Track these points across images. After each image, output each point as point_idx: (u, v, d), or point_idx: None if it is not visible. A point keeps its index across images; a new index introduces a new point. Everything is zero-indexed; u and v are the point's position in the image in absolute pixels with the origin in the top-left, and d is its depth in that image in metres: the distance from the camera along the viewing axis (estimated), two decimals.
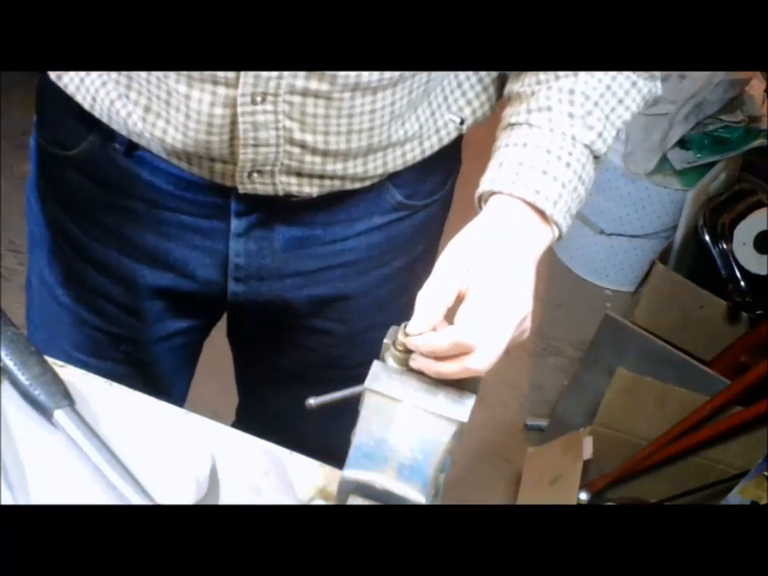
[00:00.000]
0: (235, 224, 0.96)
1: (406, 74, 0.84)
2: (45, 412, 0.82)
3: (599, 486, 1.92)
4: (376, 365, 0.77)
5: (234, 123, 0.83)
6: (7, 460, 0.79)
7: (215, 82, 0.80)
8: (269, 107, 0.82)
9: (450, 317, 0.77)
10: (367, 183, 0.95)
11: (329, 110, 0.83)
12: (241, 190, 0.91)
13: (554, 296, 2.61)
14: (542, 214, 0.81)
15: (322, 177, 0.91)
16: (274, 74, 0.79)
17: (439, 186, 1.03)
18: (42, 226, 1.07)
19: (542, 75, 0.86)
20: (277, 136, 0.85)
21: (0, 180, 2.43)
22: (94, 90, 0.89)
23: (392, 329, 0.78)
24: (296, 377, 1.13)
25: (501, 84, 0.95)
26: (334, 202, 0.95)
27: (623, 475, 1.92)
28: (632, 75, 0.87)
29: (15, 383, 0.83)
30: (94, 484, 0.79)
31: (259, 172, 0.88)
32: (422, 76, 0.87)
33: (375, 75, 0.81)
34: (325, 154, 0.87)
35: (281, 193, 0.91)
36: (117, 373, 1.05)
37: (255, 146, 0.85)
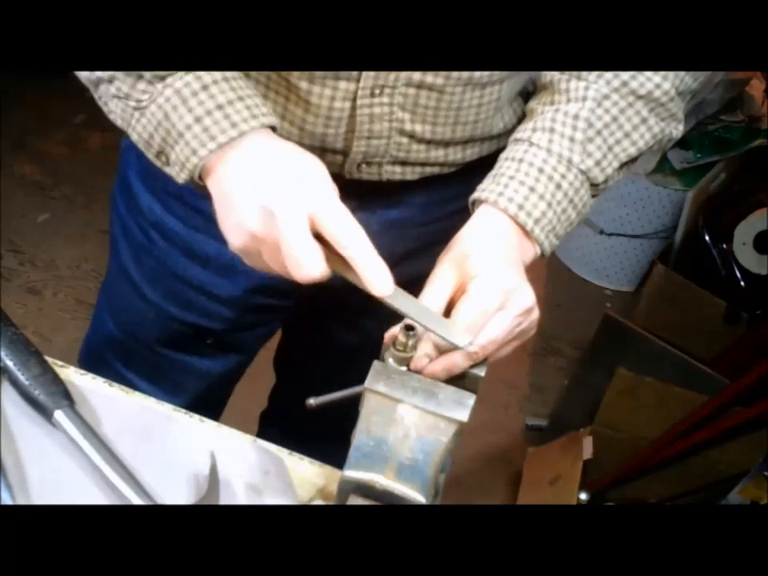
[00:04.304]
0: None
1: (514, 71, 0.88)
2: (45, 412, 0.82)
3: (599, 486, 1.92)
4: (376, 365, 0.77)
5: (351, 116, 0.88)
6: (7, 460, 0.79)
7: (337, 78, 0.85)
8: (385, 99, 0.87)
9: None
10: (462, 167, 0.99)
11: (440, 103, 0.89)
12: (347, 177, 0.94)
13: (553, 296, 2.61)
14: (523, 228, 0.83)
15: (423, 164, 0.96)
16: None
17: None
18: (130, 222, 1.07)
19: (556, 96, 0.88)
20: (389, 128, 0.90)
21: (0, 180, 2.43)
22: None
23: (392, 329, 0.78)
24: (352, 350, 1.13)
25: None
26: (431, 183, 0.99)
27: (623, 475, 1.92)
28: (644, 110, 0.88)
29: (15, 383, 0.83)
30: (94, 484, 0.79)
31: (368, 163, 0.93)
32: (526, 72, 0.92)
33: (487, 71, 0.87)
34: (430, 142, 0.93)
35: (384, 180, 0.96)
36: (199, 365, 1.10)
37: (369, 137, 0.90)
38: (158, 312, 1.09)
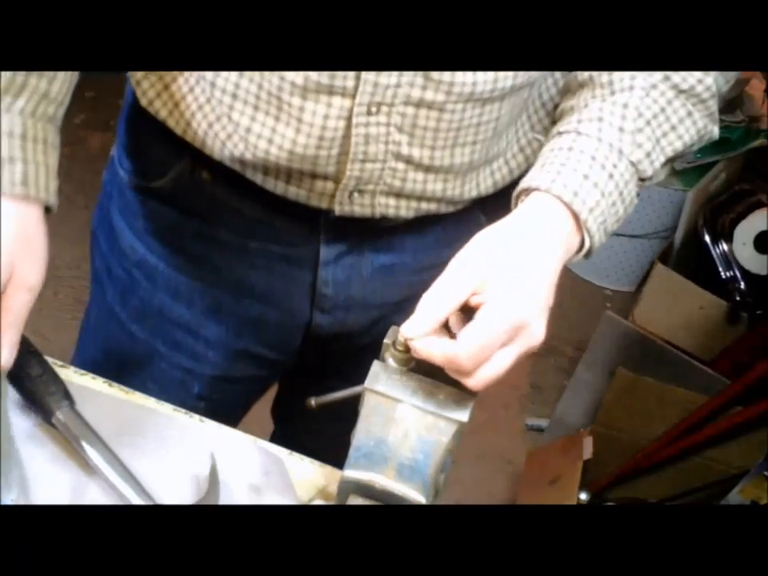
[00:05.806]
0: (324, 252, 0.95)
1: (516, 86, 0.83)
2: (45, 412, 0.82)
3: (599, 486, 1.92)
4: (376, 365, 0.77)
5: (345, 137, 0.83)
6: (7, 460, 0.79)
7: (331, 93, 0.80)
8: (382, 119, 0.82)
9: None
10: (459, 207, 0.94)
11: (439, 123, 0.84)
12: (338, 212, 0.89)
13: (553, 296, 2.61)
14: (576, 218, 0.78)
15: (419, 198, 0.91)
16: (393, 82, 0.79)
17: None
18: (113, 261, 1.03)
19: (598, 90, 0.84)
20: (385, 151, 0.85)
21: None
22: (189, 114, 0.88)
23: (392, 329, 0.78)
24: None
25: None
26: (425, 224, 0.95)
27: (623, 475, 1.92)
28: (688, 104, 0.84)
29: (15, 383, 0.83)
30: (94, 484, 0.79)
31: (360, 192, 0.88)
32: (524, 91, 0.87)
33: (489, 86, 0.81)
34: (428, 169, 0.88)
35: (377, 215, 0.90)
36: (189, 406, 1.04)
37: (363, 161, 0.85)
38: (145, 349, 1.04)
